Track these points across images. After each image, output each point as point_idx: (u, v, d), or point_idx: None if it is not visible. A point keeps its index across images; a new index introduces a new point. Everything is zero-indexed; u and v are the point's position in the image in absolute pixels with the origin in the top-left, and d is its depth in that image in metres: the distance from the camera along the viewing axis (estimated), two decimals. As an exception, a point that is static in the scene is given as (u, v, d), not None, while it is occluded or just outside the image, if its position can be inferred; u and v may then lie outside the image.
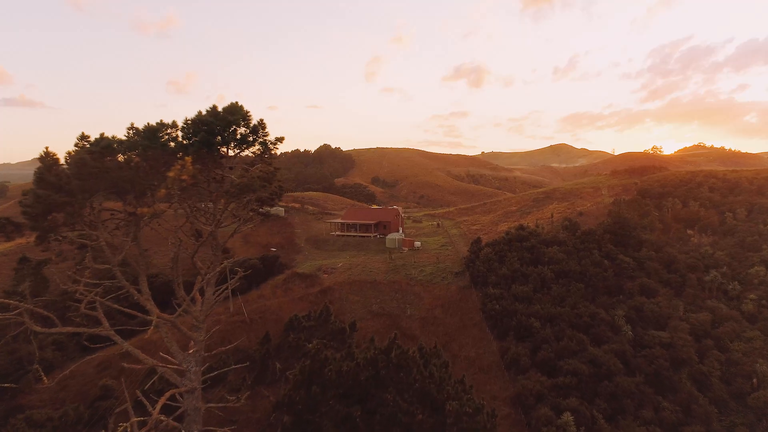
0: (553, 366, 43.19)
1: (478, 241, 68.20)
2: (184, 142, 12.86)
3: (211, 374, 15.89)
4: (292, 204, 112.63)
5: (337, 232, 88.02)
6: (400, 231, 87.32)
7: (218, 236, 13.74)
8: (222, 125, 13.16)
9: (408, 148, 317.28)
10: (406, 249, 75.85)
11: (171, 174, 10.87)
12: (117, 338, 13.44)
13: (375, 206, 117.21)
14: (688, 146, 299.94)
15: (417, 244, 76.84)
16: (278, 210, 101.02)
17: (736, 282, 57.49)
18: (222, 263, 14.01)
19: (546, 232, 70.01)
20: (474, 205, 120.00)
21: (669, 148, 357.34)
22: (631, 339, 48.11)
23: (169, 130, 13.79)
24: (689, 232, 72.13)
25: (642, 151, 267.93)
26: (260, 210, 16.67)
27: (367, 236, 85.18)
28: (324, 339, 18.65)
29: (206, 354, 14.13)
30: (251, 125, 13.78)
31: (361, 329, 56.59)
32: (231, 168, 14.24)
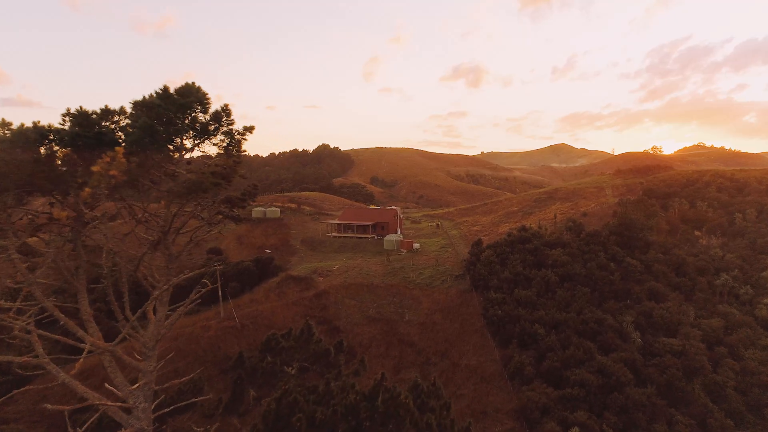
0: (559, 376, 40.83)
1: (478, 242, 65.82)
2: (127, 131, 10.42)
3: (166, 410, 13.45)
4: (289, 204, 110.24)
5: (334, 234, 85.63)
6: (399, 232, 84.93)
7: (171, 245, 11.29)
8: (172, 110, 10.67)
9: (407, 148, 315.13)
10: (405, 251, 73.47)
11: (96, 169, 8.45)
12: (52, 367, 10.96)
13: (373, 206, 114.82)
14: (688, 146, 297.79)
15: (416, 245, 74.47)
16: (274, 211, 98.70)
17: (749, 286, 55.17)
18: (176, 276, 11.54)
19: (549, 233, 67.64)
20: (474, 205, 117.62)
21: (669, 148, 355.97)
22: (641, 347, 45.80)
23: (117, 118, 11.36)
24: (697, 233, 69.77)
25: (642, 151, 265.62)
26: (231, 213, 14.15)
27: (365, 237, 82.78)
28: (306, 362, 16.43)
29: (161, 386, 11.66)
30: (210, 110, 11.28)
31: (357, 335, 54.37)
32: (189, 163, 11.77)
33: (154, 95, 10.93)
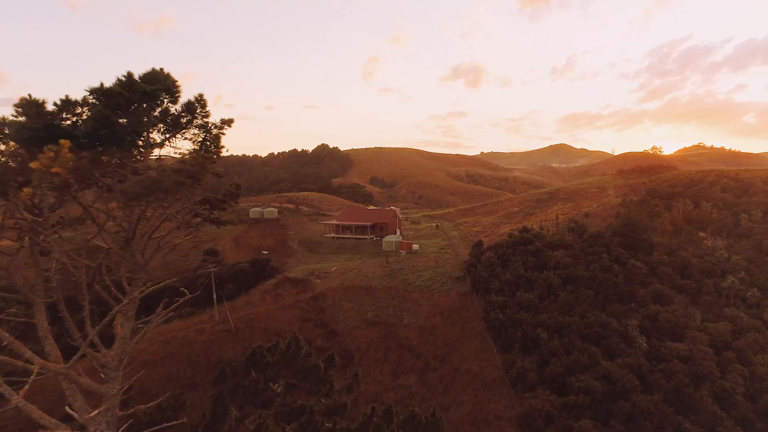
0: (562, 382, 39.50)
1: (479, 244, 64.47)
2: (78, 123, 9.09)
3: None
4: (286, 205, 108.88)
5: (332, 234, 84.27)
6: (398, 233, 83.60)
7: (137, 252, 9.94)
8: (135, 99, 9.32)
9: (406, 148, 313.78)
10: (404, 252, 72.13)
11: (36, 166, 7.12)
12: (4, 389, 9.63)
13: (372, 207, 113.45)
14: (688, 146, 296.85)
15: (415, 247, 73.13)
16: (271, 211, 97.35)
17: (756, 288, 53.82)
18: (142, 288, 10.20)
19: (551, 234, 66.31)
20: (474, 205, 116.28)
21: (668, 148, 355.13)
22: (646, 351, 44.45)
23: (80, 110, 10.02)
24: (701, 234, 68.46)
25: (642, 151, 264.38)
26: (211, 215, 12.81)
27: (363, 238, 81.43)
28: (293, 378, 15.18)
29: (128, 411, 10.31)
30: (180, 100, 9.94)
31: (355, 339, 53.01)
32: (159, 158, 10.43)
33: (116, 82, 9.61)
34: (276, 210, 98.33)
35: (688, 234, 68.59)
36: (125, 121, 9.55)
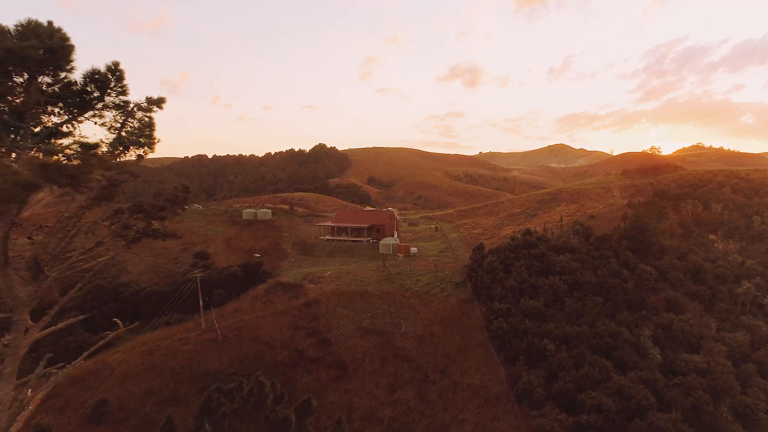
0: (572, 399, 36.56)
1: (480, 247, 61.43)
2: None
3: None
4: (281, 205, 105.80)
5: (327, 237, 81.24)
6: (395, 235, 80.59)
7: (16, 281, 6.91)
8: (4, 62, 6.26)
9: (405, 148, 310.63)
10: (402, 255, 69.14)
11: None
12: None
13: (369, 208, 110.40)
14: (686, 146, 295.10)
15: (413, 249, 70.14)
16: (265, 212, 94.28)
17: (773, 295, 50.99)
18: (26, 334, 7.16)
19: (556, 237, 63.38)
20: (474, 206, 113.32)
21: (667, 149, 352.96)
22: (661, 364, 41.55)
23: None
24: (712, 237, 65.57)
25: (641, 151, 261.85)
26: (149, 228, 9.73)
27: (359, 241, 78.39)
28: (258, 432, 12.33)
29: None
30: (73, 68, 6.88)
31: (350, 349, 49.95)
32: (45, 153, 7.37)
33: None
34: (270, 211, 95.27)
35: (698, 237, 65.69)
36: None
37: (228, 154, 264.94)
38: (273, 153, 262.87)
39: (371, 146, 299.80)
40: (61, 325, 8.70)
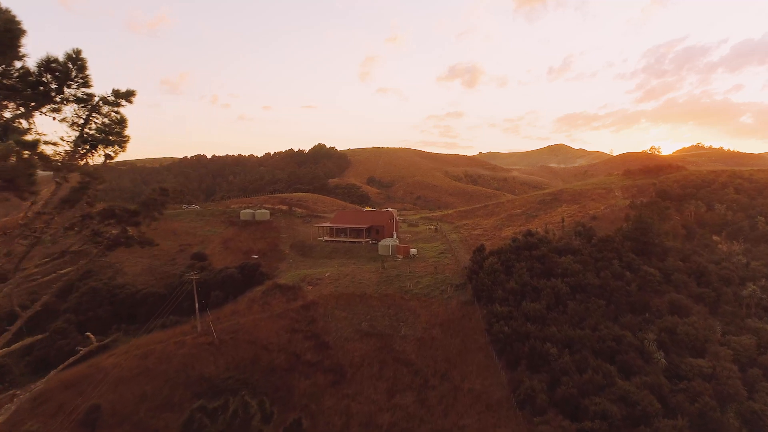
0: (576, 405, 35.67)
1: (481, 248, 60.55)
2: None
3: None
4: (279, 206, 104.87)
5: (326, 238, 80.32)
6: (395, 236, 79.69)
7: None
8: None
9: (404, 148, 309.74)
10: (401, 257, 68.25)
11: None
12: None
13: (368, 208, 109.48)
14: (686, 146, 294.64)
15: (413, 251, 69.23)
16: (263, 213, 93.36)
17: (779, 298, 50.08)
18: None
19: (557, 238, 62.48)
20: (474, 207, 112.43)
21: (667, 149, 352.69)
22: (665, 368, 40.66)
23: None
24: (715, 238, 64.69)
25: (641, 151, 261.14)
26: (125, 235, 8.83)
27: (358, 242, 77.48)
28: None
29: None
30: (22, 55, 5.98)
31: (348, 353, 49.00)
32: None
33: None
34: (268, 212, 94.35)
35: (701, 238, 64.81)
36: None
37: (227, 155, 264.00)
38: (272, 153, 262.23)
39: (371, 146, 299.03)
40: (15, 346, 7.77)
